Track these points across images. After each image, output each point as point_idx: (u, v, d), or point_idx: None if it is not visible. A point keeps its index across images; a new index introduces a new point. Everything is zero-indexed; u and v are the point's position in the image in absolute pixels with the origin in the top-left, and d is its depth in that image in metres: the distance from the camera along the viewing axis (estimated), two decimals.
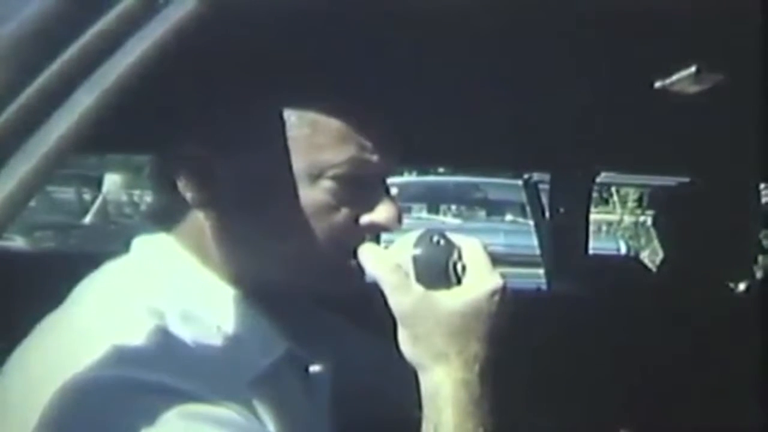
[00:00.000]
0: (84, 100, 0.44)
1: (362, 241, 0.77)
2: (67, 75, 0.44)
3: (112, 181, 8.49)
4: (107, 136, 0.67)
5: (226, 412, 0.68)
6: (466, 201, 7.78)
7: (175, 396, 0.65)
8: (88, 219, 7.89)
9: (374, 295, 0.73)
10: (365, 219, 0.77)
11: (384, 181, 0.80)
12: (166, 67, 0.49)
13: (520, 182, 3.51)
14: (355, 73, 0.81)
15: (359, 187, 0.76)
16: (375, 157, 0.76)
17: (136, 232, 0.80)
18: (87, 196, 8.39)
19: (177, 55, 0.49)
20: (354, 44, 0.80)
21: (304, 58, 0.76)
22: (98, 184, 8.47)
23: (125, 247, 0.78)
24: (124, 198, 8.41)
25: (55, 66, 0.44)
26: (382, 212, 0.77)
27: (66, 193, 8.09)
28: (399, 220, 0.78)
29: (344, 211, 0.76)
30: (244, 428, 0.69)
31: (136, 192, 8.05)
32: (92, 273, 0.76)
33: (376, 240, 0.80)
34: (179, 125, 0.77)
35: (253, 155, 0.75)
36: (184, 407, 0.65)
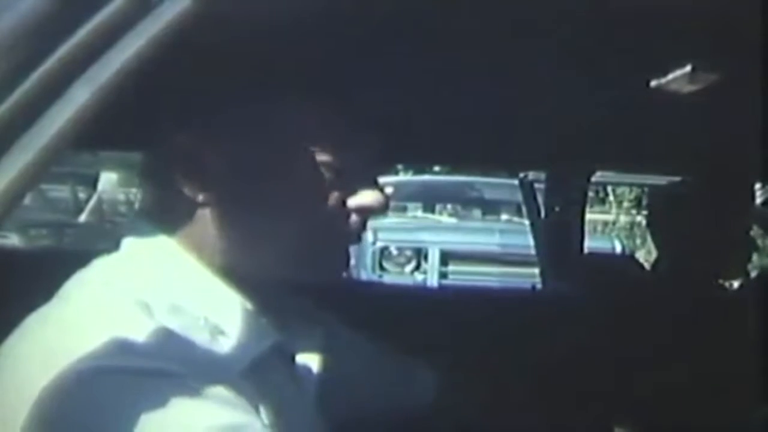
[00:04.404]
0: (79, 97, 0.44)
1: (350, 226, 0.80)
2: (63, 71, 0.44)
3: (107, 179, 8.48)
4: (103, 132, 0.67)
5: (222, 390, 0.69)
6: (462, 200, 7.77)
7: (171, 379, 0.66)
8: (83, 217, 7.87)
9: (362, 293, 0.74)
10: (352, 202, 0.80)
11: (370, 168, 0.82)
12: (161, 63, 0.49)
13: (515, 182, 3.51)
14: (350, 71, 0.82)
15: (346, 174, 0.79)
16: (360, 145, 0.80)
17: (127, 228, 0.81)
18: (82, 195, 8.39)
19: (172, 51, 0.49)
20: (349, 42, 0.81)
21: (298, 54, 0.77)
22: (93, 182, 8.46)
23: (116, 244, 0.79)
24: (120, 196, 8.40)
25: (50, 62, 0.44)
26: (368, 196, 0.81)
27: (61, 192, 8.08)
28: (386, 203, 0.82)
29: (332, 197, 0.79)
30: (238, 407, 0.70)
31: (132, 190, 8.04)
32: (83, 268, 0.77)
33: (363, 226, 0.82)
34: (173, 118, 0.77)
35: (245, 146, 0.77)
36: (178, 388, 0.66)
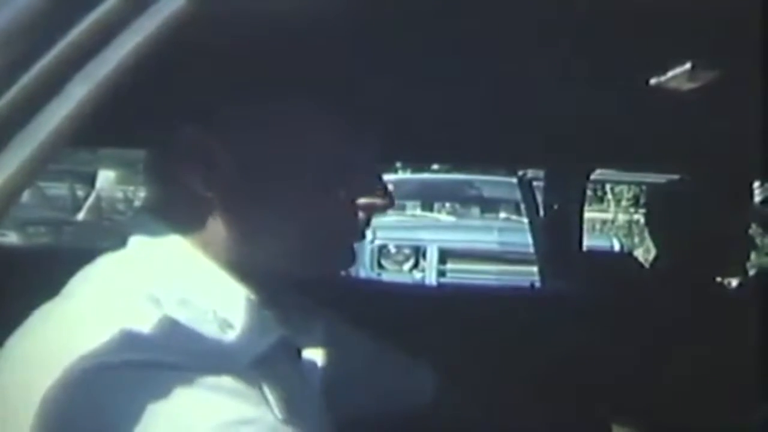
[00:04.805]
0: (77, 94, 0.44)
1: (356, 223, 0.81)
2: (60, 68, 0.44)
3: (105, 177, 8.48)
4: (104, 130, 0.67)
5: (232, 382, 0.69)
6: (461, 198, 7.77)
7: (178, 372, 0.66)
8: (81, 215, 7.87)
9: (361, 291, 0.74)
10: (360, 199, 0.81)
11: (375, 165, 0.83)
12: (166, 60, 0.49)
13: (514, 180, 3.51)
14: (350, 69, 0.82)
15: (353, 170, 0.80)
16: (365, 143, 0.81)
17: (132, 225, 0.81)
18: (80, 193, 8.37)
19: (178, 47, 0.49)
20: (350, 40, 0.81)
21: (302, 51, 0.77)
22: (92, 180, 8.45)
23: (122, 241, 0.79)
24: (118, 194, 8.40)
25: (47, 59, 0.44)
26: (375, 193, 0.82)
27: (59, 189, 8.07)
28: (391, 200, 0.83)
29: (340, 193, 0.80)
30: (248, 399, 0.70)
31: (130, 188, 8.05)
32: (88, 265, 0.76)
33: (367, 224, 0.83)
34: (181, 112, 0.78)
35: (253, 141, 0.78)
36: (188, 380, 0.66)
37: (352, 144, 0.80)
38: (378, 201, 0.82)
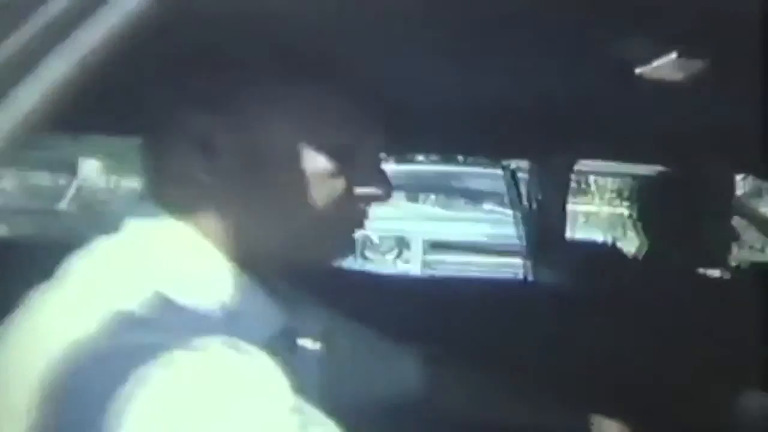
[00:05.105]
0: (52, 73, 0.43)
1: (356, 211, 0.82)
2: (36, 46, 0.43)
3: (88, 166, 8.42)
4: (101, 115, 0.66)
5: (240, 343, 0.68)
6: (446, 190, 7.78)
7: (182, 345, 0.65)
8: (63, 204, 7.81)
9: (360, 284, 0.74)
10: (359, 190, 0.82)
11: (376, 156, 0.84)
12: (161, 44, 0.48)
13: (499, 171, 3.51)
14: (341, 59, 0.82)
15: (354, 160, 0.80)
16: (368, 132, 0.82)
17: (130, 211, 0.80)
18: (62, 182, 8.31)
19: (173, 31, 0.48)
20: (343, 34, 0.81)
21: (303, 39, 0.77)
22: (74, 169, 8.40)
23: (114, 227, 0.77)
24: (101, 184, 8.35)
25: (23, 37, 0.43)
26: (374, 182, 0.83)
27: (42, 179, 8.02)
28: (390, 191, 0.84)
29: (340, 183, 0.80)
30: (257, 356, 0.69)
31: (113, 178, 8.00)
32: (83, 249, 0.75)
33: (365, 214, 0.84)
34: (180, 98, 0.77)
35: (254, 128, 0.77)
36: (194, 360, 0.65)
37: (353, 133, 0.80)
38: (378, 191, 0.83)
